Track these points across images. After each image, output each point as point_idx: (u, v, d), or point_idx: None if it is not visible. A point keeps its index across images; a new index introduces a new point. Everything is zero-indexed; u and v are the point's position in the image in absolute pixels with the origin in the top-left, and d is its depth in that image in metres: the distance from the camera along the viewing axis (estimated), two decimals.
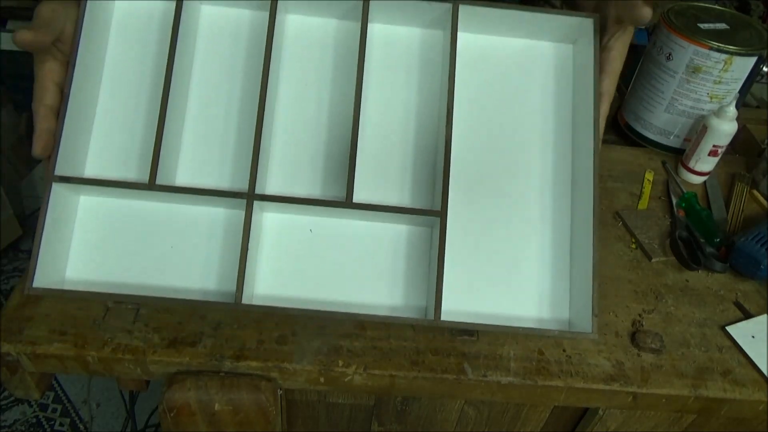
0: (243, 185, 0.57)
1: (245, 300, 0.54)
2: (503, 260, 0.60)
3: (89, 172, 0.58)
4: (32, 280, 0.53)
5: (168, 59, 0.55)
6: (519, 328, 0.55)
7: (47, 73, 0.52)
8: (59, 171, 0.54)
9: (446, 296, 0.57)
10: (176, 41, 0.55)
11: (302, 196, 0.58)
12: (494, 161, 0.61)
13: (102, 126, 0.59)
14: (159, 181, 0.54)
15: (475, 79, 0.62)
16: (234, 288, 0.54)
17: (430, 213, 0.55)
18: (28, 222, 1.81)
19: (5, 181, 1.72)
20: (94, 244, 0.58)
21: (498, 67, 0.62)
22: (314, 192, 0.59)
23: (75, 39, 0.54)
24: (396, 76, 0.61)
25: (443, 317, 0.54)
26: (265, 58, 0.56)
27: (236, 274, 0.54)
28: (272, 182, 0.59)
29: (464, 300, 0.59)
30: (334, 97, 0.60)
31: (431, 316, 0.54)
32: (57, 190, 0.54)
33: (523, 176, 0.61)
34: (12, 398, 1.47)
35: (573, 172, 0.61)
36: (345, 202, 0.55)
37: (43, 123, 0.52)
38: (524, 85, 0.62)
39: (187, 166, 0.59)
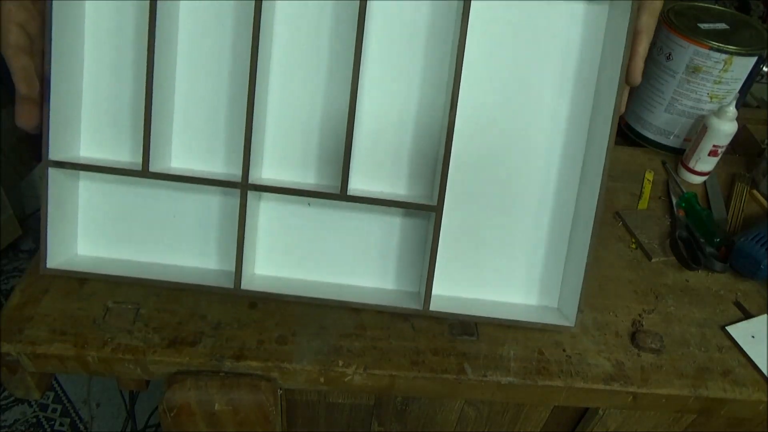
0: (238, 165, 0.55)
1: (244, 280, 0.56)
2: (499, 250, 0.60)
3: (84, 152, 0.58)
4: (45, 261, 0.55)
5: (149, 35, 0.52)
6: (510, 320, 0.58)
7: (5, 14, 0.51)
8: (53, 155, 0.54)
9: (439, 283, 0.59)
10: (155, 18, 0.51)
11: (296, 184, 0.58)
12: (498, 146, 0.58)
13: (92, 106, 0.58)
14: (153, 164, 0.54)
15: (488, 49, 0.56)
16: (233, 268, 0.56)
17: (426, 208, 0.56)
18: (28, 222, 1.80)
19: (5, 181, 1.71)
20: (99, 223, 0.59)
21: (516, 34, 0.55)
22: (309, 175, 0.59)
23: (48, 17, 0.51)
24: (399, 48, 0.56)
25: (434, 304, 0.57)
26: (254, 28, 0.51)
27: (235, 254, 0.56)
28: (267, 165, 0.59)
29: (457, 287, 0.61)
30: (330, 75, 0.57)
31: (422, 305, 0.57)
32: (54, 173, 0.55)
33: (528, 164, 0.59)
34: (12, 398, 1.47)
35: (584, 163, 0.57)
36: (339, 193, 0.55)
37: (15, 62, 0.52)
38: (544, 56, 0.56)
39: (181, 148, 0.59)
